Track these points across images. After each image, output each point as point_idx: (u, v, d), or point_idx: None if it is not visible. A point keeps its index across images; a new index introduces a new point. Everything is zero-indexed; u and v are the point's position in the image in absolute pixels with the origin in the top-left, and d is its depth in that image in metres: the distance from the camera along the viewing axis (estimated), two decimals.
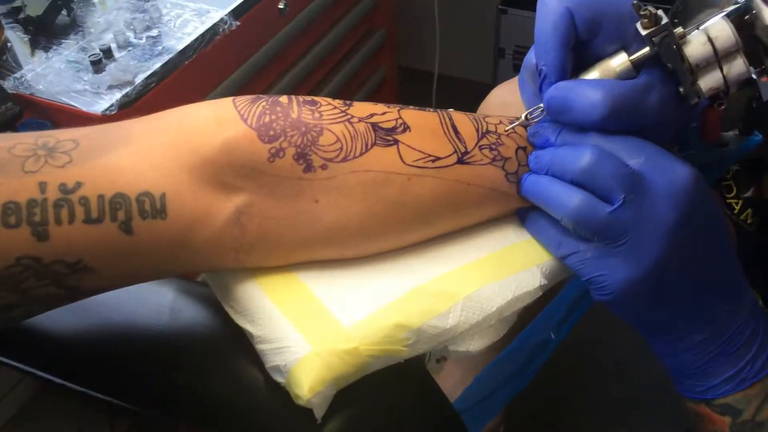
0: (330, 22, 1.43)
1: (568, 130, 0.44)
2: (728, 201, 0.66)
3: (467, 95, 2.04)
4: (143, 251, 0.38)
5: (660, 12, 0.40)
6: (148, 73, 0.97)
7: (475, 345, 0.43)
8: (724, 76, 0.41)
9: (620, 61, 0.42)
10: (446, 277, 0.43)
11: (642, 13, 0.40)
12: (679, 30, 0.40)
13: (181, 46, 1.02)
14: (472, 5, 2.00)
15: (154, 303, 0.48)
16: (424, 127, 0.44)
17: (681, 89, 0.42)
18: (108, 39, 1.03)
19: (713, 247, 0.43)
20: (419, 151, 0.42)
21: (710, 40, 0.40)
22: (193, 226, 0.39)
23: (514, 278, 0.44)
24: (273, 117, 0.40)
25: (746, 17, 0.40)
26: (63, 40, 1.04)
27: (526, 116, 0.45)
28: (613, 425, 0.72)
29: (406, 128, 0.43)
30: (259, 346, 0.41)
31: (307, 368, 0.38)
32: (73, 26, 1.07)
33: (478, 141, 0.45)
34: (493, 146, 0.45)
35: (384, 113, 0.43)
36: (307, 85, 1.41)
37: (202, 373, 0.44)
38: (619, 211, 0.40)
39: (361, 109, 0.43)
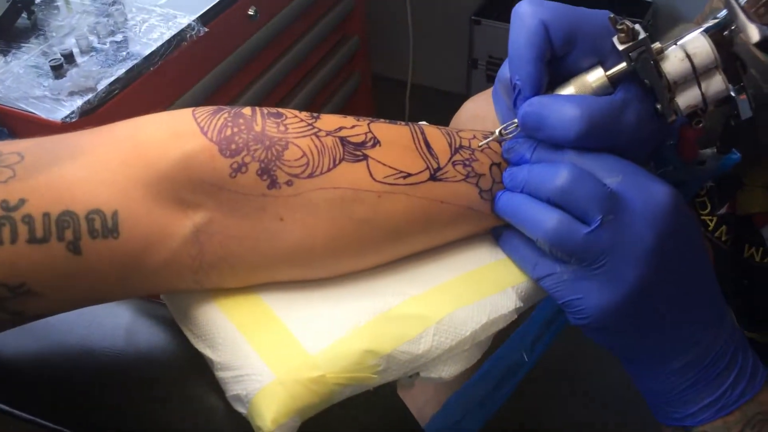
0: (302, 29, 1.41)
1: (544, 146, 0.42)
2: (702, 218, 0.66)
3: (440, 105, 2.03)
4: (93, 273, 0.36)
5: (637, 26, 0.38)
6: (112, 79, 0.94)
7: (448, 371, 0.41)
8: (702, 94, 0.40)
9: (596, 76, 0.41)
10: (418, 300, 0.41)
11: (619, 27, 0.39)
12: (656, 45, 0.39)
13: (146, 52, 1.00)
14: (446, 15, 2.00)
15: (109, 325, 0.46)
16: (395, 141, 0.42)
17: (658, 106, 0.40)
18: (70, 43, 1.00)
19: (693, 269, 0.41)
20: (390, 167, 0.41)
21: (688, 56, 0.39)
22: (147, 246, 0.37)
23: (489, 300, 0.42)
24: (235, 130, 0.38)
25: (725, 33, 0.39)
26: (23, 44, 1.01)
27: (500, 131, 0.43)
28: None
29: (377, 143, 0.41)
30: (220, 374, 0.39)
31: (271, 398, 0.36)
32: (34, 30, 1.04)
33: (451, 156, 0.43)
34: (467, 162, 0.43)
35: (353, 126, 0.41)
36: (278, 93, 1.39)
37: (159, 400, 0.42)
38: (596, 233, 0.39)
39: (329, 122, 0.41)
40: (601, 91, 0.41)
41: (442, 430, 0.51)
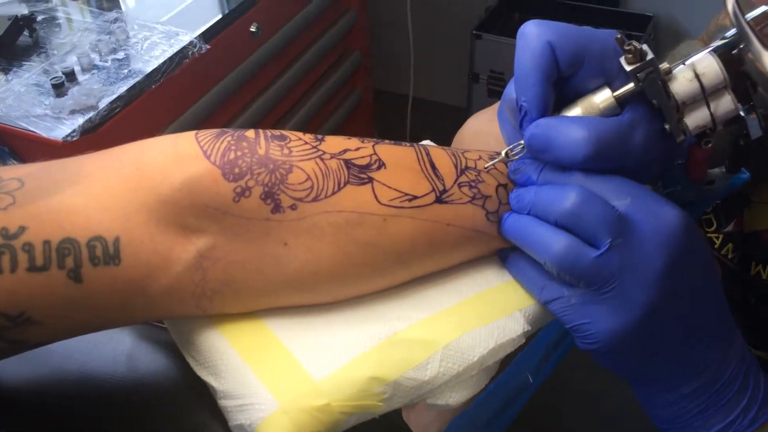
0: (304, 45, 1.42)
1: (551, 167, 0.42)
2: (709, 235, 0.65)
3: (442, 119, 2.04)
4: (94, 301, 0.35)
5: (645, 47, 0.38)
6: (113, 97, 0.94)
7: (456, 397, 0.40)
8: (711, 114, 0.39)
9: (604, 97, 0.40)
10: (424, 324, 0.41)
11: (626, 48, 0.38)
12: (664, 65, 0.39)
13: (148, 70, 0.99)
14: (447, 30, 2.00)
15: (110, 350, 0.45)
16: (400, 163, 0.41)
17: (666, 126, 0.40)
18: (72, 61, 1.00)
19: (703, 293, 0.41)
20: (395, 190, 0.40)
21: (697, 76, 0.39)
22: (150, 273, 0.36)
23: (496, 324, 0.41)
24: (239, 153, 0.38)
25: (733, 52, 0.39)
26: (24, 62, 1.00)
27: (506, 153, 0.43)
28: None
29: (382, 165, 0.41)
30: (223, 402, 0.38)
31: (275, 428, 0.36)
32: (36, 48, 1.04)
33: (457, 178, 0.42)
34: (473, 183, 0.43)
35: (358, 149, 0.41)
36: (281, 109, 1.38)
37: (161, 429, 0.41)
38: (605, 256, 0.38)
39: (334, 144, 0.41)
40: (609, 112, 0.40)
41: None
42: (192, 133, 0.39)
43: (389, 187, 0.40)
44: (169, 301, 0.38)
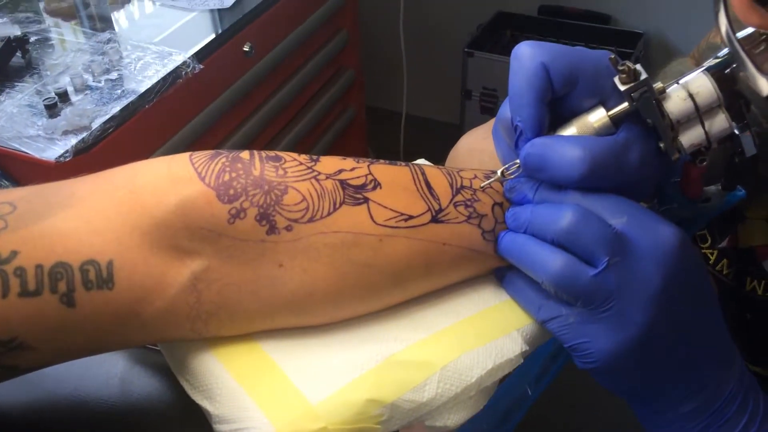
0: (297, 64, 1.42)
1: (547, 186, 0.42)
2: (703, 251, 0.65)
3: (435, 135, 2.05)
4: (87, 325, 0.35)
5: (639, 67, 0.38)
6: (107, 117, 0.94)
7: (454, 419, 0.40)
8: (705, 132, 0.39)
9: (598, 116, 0.40)
10: (421, 345, 0.40)
11: (620, 68, 0.38)
12: (658, 85, 0.39)
13: (141, 90, 0.99)
14: (439, 48, 2.02)
15: (103, 374, 0.44)
16: (395, 183, 0.41)
17: (661, 145, 0.40)
18: (65, 82, 1.00)
19: (702, 311, 0.41)
20: (391, 210, 0.40)
21: (691, 95, 0.39)
22: (144, 296, 0.36)
23: (494, 345, 0.41)
24: (233, 175, 0.38)
25: (726, 71, 0.39)
26: (17, 83, 1.00)
27: (502, 172, 0.43)
28: None
29: (377, 185, 0.40)
30: (218, 427, 0.38)
31: None
32: (29, 68, 1.04)
33: (453, 197, 0.42)
34: (469, 203, 0.43)
35: (353, 169, 0.41)
36: (274, 128, 1.39)
37: None
38: (603, 275, 0.38)
39: (329, 164, 0.40)
40: (604, 131, 0.40)
41: None
42: (186, 154, 0.39)
43: (385, 207, 0.40)
44: (163, 324, 0.37)
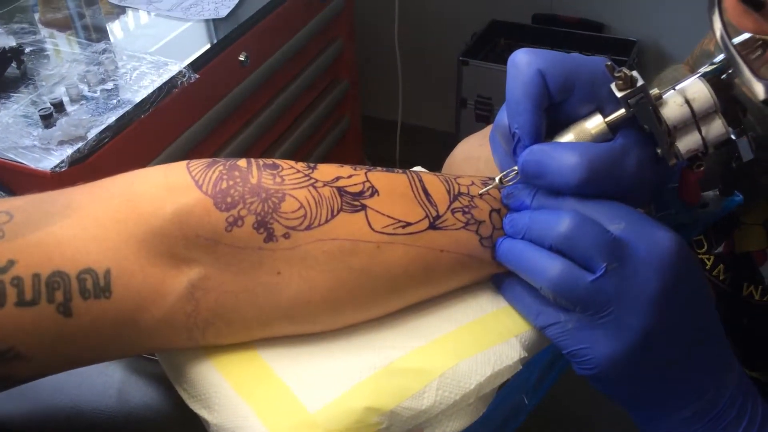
0: (293, 74, 1.42)
1: (544, 192, 0.42)
2: (700, 257, 0.65)
3: (431, 144, 2.05)
4: (84, 335, 0.35)
5: (635, 73, 0.38)
6: (102, 127, 0.93)
7: (453, 426, 0.40)
8: (702, 138, 0.39)
9: (595, 123, 0.41)
10: (419, 353, 0.40)
11: (617, 74, 0.38)
12: (655, 91, 0.39)
13: (137, 100, 0.99)
14: (434, 56, 2.02)
15: (100, 384, 0.44)
16: (393, 190, 0.41)
17: (658, 150, 0.40)
18: (60, 92, 1.00)
19: (700, 317, 0.41)
20: (389, 217, 0.40)
21: (687, 101, 0.39)
22: (141, 305, 0.36)
23: (492, 351, 0.41)
24: (231, 183, 0.38)
25: (722, 77, 0.39)
26: (12, 94, 1.00)
27: (500, 179, 0.43)
28: None
29: (375, 192, 0.40)
30: None
31: None
32: (24, 79, 1.04)
33: (450, 204, 0.42)
34: (466, 209, 0.43)
35: (350, 176, 0.41)
36: (269, 138, 1.39)
37: None
38: (601, 281, 0.38)
39: (326, 172, 0.40)
40: (601, 138, 0.41)
41: None
42: (183, 163, 0.39)
43: (382, 214, 0.40)
44: (161, 333, 0.37)
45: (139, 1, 1.27)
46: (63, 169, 0.87)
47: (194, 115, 1.14)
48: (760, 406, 0.43)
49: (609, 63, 0.39)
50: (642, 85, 0.38)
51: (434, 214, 0.41)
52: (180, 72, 1.05)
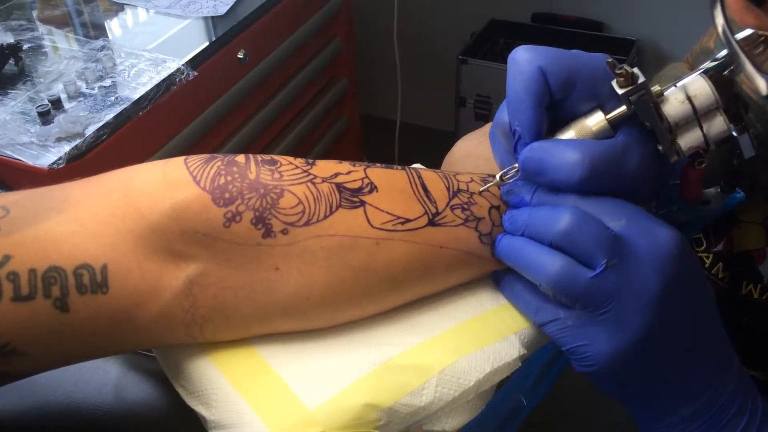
0: (291, 72, 1.42)
1: (544, 189, 0.42)
2: (699, 255, 0.65)
3: (430, 143, 2.05)
4: (81, 330, 0.34)
5: (636, 70, 0.38)
6: (100, 124, 0.93)
7: (452, 423, 0.40)
8: (704, 135, 0.39)
9: (596, 120, 0.40)
10: (418, 349, 0.40)
11: (618, 71, 0.38)
12: (656, 88, 0.39)
13: (135, 97, 0.99)
14: (433, 55, 2.02)
15: (97, 380, 0.44)
16: (392, 186, 0.41)
17: (660, 147, 0.40)
18: (58, 89, 1.00)
19: (700, 313, 0.40)
20: (388, 213, 0.40)
21: (689, 98, 0.39)
22: (138, 301, 0.35)
23: (492, 348, 0.41)
24: (229, 178, 0.37)
25: (724, 73, 0.39)
26: (10, 90, 1.00)
27: (501, 177, 0.42)
28: None
29: (374, 188, 0.40)
30: None
31: None
32: (22, 76, 1.03)
33: (450, 201, 0.42)
34: (465, 206, 0.42)
35: (349, 172, 0.41)
36: (268, 136, 1.38)
37: None
38: (601, 277, 0.38)
39: (325, 168, 0.40)
40: (602, 135, 0.40)
41: None
42: (181, 158, 0.39)
43: (381, 211, 0.40)
44: (158, 329, 0.37)
45: None
46: (60, 166, 0.87)
47: (192, 113, 1.13)
48: (759, 404, 0.42)
49: (610, 60, 0.39)
50: (643, 82, 0.38)
51: (433, 210, 0.41)
52: (178, 69, 1.04)
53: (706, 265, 0.65)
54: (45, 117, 0.92)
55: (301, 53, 1.43)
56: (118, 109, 0.97)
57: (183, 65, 1.05)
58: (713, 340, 0.41)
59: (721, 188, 0.46)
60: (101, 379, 0.44)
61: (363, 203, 0.39)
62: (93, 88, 1.01)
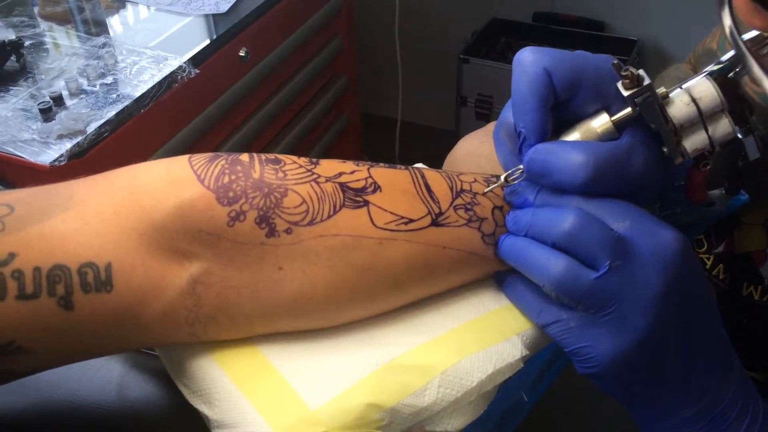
0: (292, 70, 1.42)
1: (548, 189, 0.41)
2: (700, 256, 0.65)
3: (430, 142, 2.05)
4: (85, 329, 0.34)
5: (642, 72, 0.38)
6: (102, 121, 0.93)
7: (454, 423, 0.40)
8: (709, 137, 0.39)
9: (602, 122, 0.40)
10: (421, 350, 0.40)
11: (623, 73, 0.38)
12: (661, 90, 0.39)
13: (137, 94, 0.99)
14: (434, 54, 2.02)
15: (99, 378, 0.44)
16: (395, 186, 0.41)
17: (665, 149, 0.40)
18: (59, 86, 0.99)
19: (702, 316, 0.40)
20: (391, 213, 0.40)
21: (694, 100, 0.39)
22: (142, 299, 0.35)
23: (494, 349, 0.41)
24: (233, 177, 0.37)
25: (729, 75, 0.39)
26: (11, 87, 1.00)
27: (505, 178, 0.42)
28: None
29: (377, 188, 0.40)
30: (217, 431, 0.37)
31: None
32: (23, 72, 1.03)
33: (453, 201, 0.42)
34: (469, 206, 0.42)
35: (353, 172, 0.41)
36: (269, 133, 1.38)
37: None
38: (604, 278, 0.38)
39: (329, 167, 0.40)
40: (607, 137, 0.40)
41: None
42: (185, 157, 0.39)
43: (385, 210, 0.40)
44: (161, 327, 0.37)
45: None
46: (62, 163, 0.86)
47: (194, 111, 1.13)
48: (761, 406, 0.42)
49: (615, 61, 0.39)
50: (649, 84, 0.38)
51: (436, 210, 0.41)
52: (180, 67, 1.04)
53: (707, 267, 0.65)
54: (47, 114, 0.92)
55: (303, 51, 1.43)
56: (120, 106, 0.96)
57: (184, 63, 1.05)
58: (715, 342, 0.41)
59: (726, 190, 0.46)
60: (104, 378, 0.44)
61: (366, 203, 0.39)
62: (95, 86, 1.01)
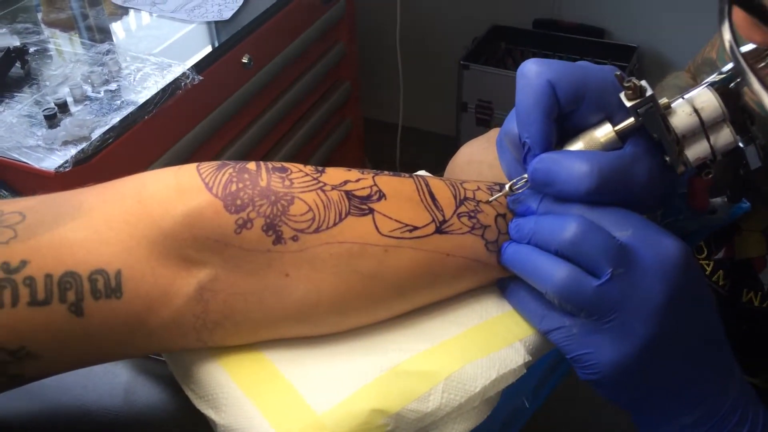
0: (295, 76, 1.43)
1: (551, 197, 0.42)
2: (700, 262, 0.66)
3: (431, 147, 2.06)
4: (95, 334, 0.35)
5: (644, 83, 0.39)
6: (106, 128, 0.94)
7: (458, 429, 0.40)
8: (711, 146, 0.40)
9: (605, 132, 0.41)
10: (425, 355, 0.40)
11: (626, 84, 0.39)
12: (663, 100, 0.39)
13: (141, 101, 1.00)
14: (435, 60, 2.03)
15: (107, 384, 0.44)
16: (400, 194, 0.41)
17: (667, 158, 0.40)
18: (64, 93, 1.00)
19: (703, 324, 0.41)
20: (396, 221, 0.40)
21: (696, 110, 0.39)
22: (151, 306, 0.36)
23: (498, 355, 0.41)
24: (240, 185, 0.38)
25: (731, 85, 0.40)
26: (16, 94, 1.00)
27: (510, 187, 0.43)
28: None
29: (382, 196, 0.41)
30: None
31: None
32: (28, 79, 1.04)
33: (456, 209, 0.43)
34: (472, 214, 0.43)
35: (358, 180, 0.41)
36: (271, 139, 1.39)
37: None
38: (606, 286, 0.38)
39: (334, 175, 0.41)
40: (610, 146, 0.41)
41: None
42: (193, 165, 0.39)
43: (390, 218, 0.40)
44: (169, 334, 0.37)
45: (142, 2, 1.28)
46: (67, 169, 0.87)
47: (197, 117, 1.14)
48: (761, 412, 0.43)
49: (618, 73, 0.40)
50: (651, 95, 0.39)
51: (441, 218, 0.42)
52: (183, 73, 1.05)
53: (707, 273, 0.65)
54: (51, 120, 0.93)
55: (305, 57, 1.44)
56: (124, 112, 0.97)
57: (188, 69, 1.06)
58: (716, 349, 0.42)
59: (728, 198, 0.46)
60: (111, 383, 0.44)
61: (372, 211, 0.40)
62: (99, 92, 1.01)
